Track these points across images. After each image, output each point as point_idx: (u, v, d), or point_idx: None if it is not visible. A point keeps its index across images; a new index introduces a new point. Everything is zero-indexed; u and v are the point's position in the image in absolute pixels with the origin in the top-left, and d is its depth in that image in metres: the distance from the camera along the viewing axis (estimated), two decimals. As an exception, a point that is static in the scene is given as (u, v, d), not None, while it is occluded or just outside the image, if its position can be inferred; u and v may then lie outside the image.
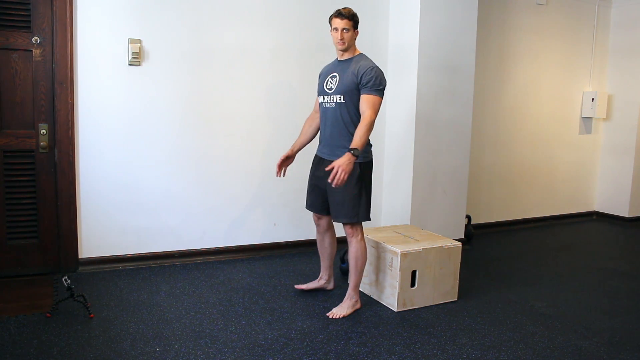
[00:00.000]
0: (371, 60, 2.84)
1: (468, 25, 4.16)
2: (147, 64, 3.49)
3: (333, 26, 2.83)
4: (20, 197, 3.29)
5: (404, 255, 2.95)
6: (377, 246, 3.13)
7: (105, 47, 3.37)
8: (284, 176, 3.16)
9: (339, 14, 2.80)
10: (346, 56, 2.89)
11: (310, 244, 3.97)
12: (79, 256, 3.46)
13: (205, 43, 3.64)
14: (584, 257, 4.29)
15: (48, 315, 2.73)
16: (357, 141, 2.63)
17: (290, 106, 4.00)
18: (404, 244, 3.07)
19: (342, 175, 2.53)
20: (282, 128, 3.98)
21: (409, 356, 2.45)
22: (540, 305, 3.15)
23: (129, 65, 3.44)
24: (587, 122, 5.70)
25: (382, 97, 2.78)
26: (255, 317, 2.84)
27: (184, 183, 3.69)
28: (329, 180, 2.56)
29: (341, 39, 2.81)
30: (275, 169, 3.13)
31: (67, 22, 3.24)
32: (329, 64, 3.03)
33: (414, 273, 3.02)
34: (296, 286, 3.25)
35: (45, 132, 3.29)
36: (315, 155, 3.06)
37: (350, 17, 2.79)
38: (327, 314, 2.87)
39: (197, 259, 3.79)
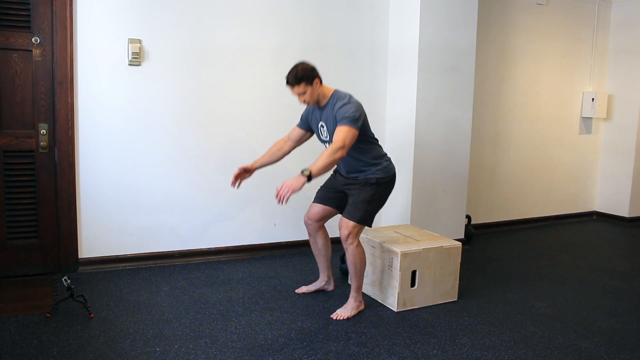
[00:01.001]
0: (346, 96, 2.78)
1: (468, 25, 4.15)
2: (147, 64, 3.49)
3: (291, 92, 2.79)
4: (20, 197, 3.29)
5: (404, 255, 2.95)
6: (377, 246, 3.13)
7: (105, 47, 3.37)
8: (237, 188, 3.07)
9: (287, 82, 2.76)
10: (322, 103, 2.84)
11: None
12: (79, 256, 3.46)
13: (205, 43, 3.64)
14: (583, 257, 4.29)
15: (48, 315, 2.73)
16: (315, 164, 2.58)
17: (291, 106, 3.99)
18: (404, 244, 3.07)
19: (285, 193, 2.49)
20: (282, 128, 3.97)
21: (409, 356, 2.45)
22: (540, 305, 3.15)
23: (129, 65, 3.44)
24: (587, 122, 5.70)
25: (354, 127, 2.65)
26: (255, 317, 2.84)
27: (184, 183, 3.69)
28: (276, 198, 2.51)
29: (303, 102, 2.80)
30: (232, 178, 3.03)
31: (67, 22, 3.24)
32: (313, 107, 2.92)
33: (414, 273, 3.02)
34: (297, 291, 3.24)
35: (45, 132, 3.29)
36: (335, 170, 3.09)
37: (298, 81, 2.71)
38: (331, 315, 2.87)
39: (197, 259, 3.79)
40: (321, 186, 3.16)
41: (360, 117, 2.71)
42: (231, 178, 3.02)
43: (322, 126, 2.88)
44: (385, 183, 2.91)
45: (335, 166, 3.03)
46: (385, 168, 2.90)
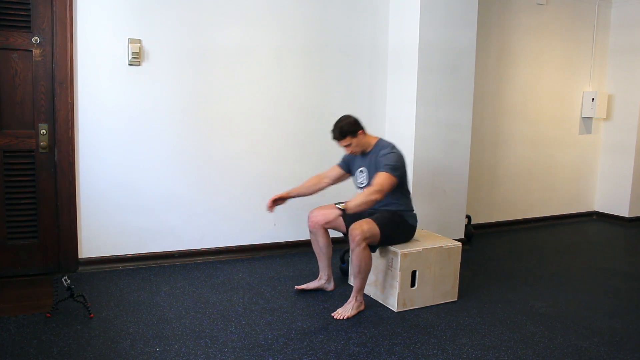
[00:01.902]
0: (389, 145, 3.00)
1: (468, 25, 4.15)
2: (147, 64, 3.49)
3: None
4: (20, 197, 3.29)
5: (404, 255, 2.95)
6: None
7: (105, 47, 3.37)
8: (271, 212, 3.25)
9: (333, 137, 3.00)
10: (366, 149, 3.06)
11: (310, 244, 3.97)
12: (79, 256, 3.46)
13: (205, 43, 3.64)
14: (584, 257, 4.29)
15: (48, 315, 2.73)
16: (352, 200, 2.78)
17: (291, 106, 4.00)
18: (404, 244, 3.06)
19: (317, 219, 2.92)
20: (282, 128, 3.98)
21: (409, 356, 2.45)
22: (540, 305, 3.15)
23: (129, 65, 3.44)
24: (587, 122, 5.70)
25: (394, 175, 2.86)
26: (255, 317, 2.84)
27: (184, 183, 3.69)
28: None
29: (350, 153, 3.05)
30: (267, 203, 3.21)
31: (67, 22, 3.24)
32: (354, 155, 3.13)
33: (414, 273, 3.02)
34: (296, 287, 3.25)
35: (45, 132, 3.29)
36: None
37: (343, 135, 2.95)
38: (332, 314, 2.87)
39: (197, 259, 3.79)
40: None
41: (401, 166, 2.94)
42: (267, 202, 3.21)
43: (361, 171, 3.09)
44: (409, 226, 3.06)
45: None
46: (413, 217, 3.11)
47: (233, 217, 3.88)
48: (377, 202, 2.81)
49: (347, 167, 3.23)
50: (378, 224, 2.88)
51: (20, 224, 3.31)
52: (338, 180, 3.27)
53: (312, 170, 4.06)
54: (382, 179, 2.83)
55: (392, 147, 2.99)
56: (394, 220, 2.99)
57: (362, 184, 3.08)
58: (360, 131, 2.99)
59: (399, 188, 3.00)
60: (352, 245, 2.83)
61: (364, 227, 2.81)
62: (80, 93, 3.35)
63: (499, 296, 3.28)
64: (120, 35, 3.39)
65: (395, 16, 4.21)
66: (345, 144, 2.97)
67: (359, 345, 2.54)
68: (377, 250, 3.12)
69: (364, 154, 3.07)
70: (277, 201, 3.20)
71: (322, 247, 3.16)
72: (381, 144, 3.03)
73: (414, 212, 3.16)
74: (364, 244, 2.82)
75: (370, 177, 2.99)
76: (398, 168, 2.90)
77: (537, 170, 5.39)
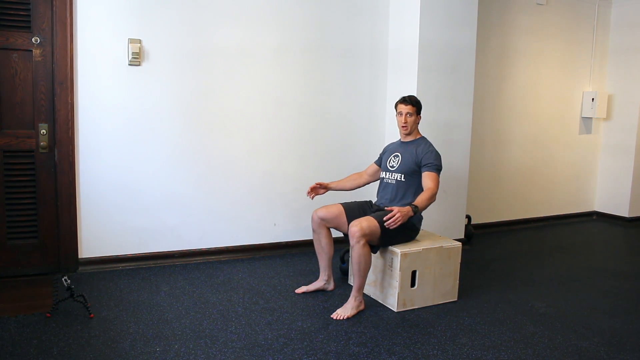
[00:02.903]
0: (431, 144, 3.15)
1: (468, 25, 4.16)
2: (147, 64, 3.49)
3: (398, 110, 3.17)
4: (20, 197, 3.29)
5: (404, 255, 2.95)
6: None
7: (105, 47, 3.37)
8: (312, 199, 3.41)
9: (403, 100, 3.14)
10: (409, 139, 3.21)
11: (310, 244, 3.96)
12: (79, 256, 3.46)
13: (205, 43, 3.64)
14: (584, 257, 4.29)
15: (48, 315, 2.73)
16: (420, 201, 2.89)
17: (291, 106, 4.00)
18: (404, 244, 3.06)
19: (398, 220, 2.75)
20: (282, 128, 3.98)
21: (409, 356, 2.45)
22: (540, 305, 3.15)
23: (129, 65, 3.44)
24: (587, 122, 5.70)
25: (439, 174, 3.05)
26: (255, 317, 2.84)
27: (184, 183, 3.69)
28: (385, 220, 2.77)
29: (405, 123, 3.14)
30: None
31: (67, 22, 3.24)
32: (394, 143, 3.33)
33: (414, 273, 3.02)
34: (297, 291, 3.24)
35: (45, 132, 3.29)
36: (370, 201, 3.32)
37: (414, 103, 3.13)
38: (332, 315, 2.87)
39: (197, 259, 3.79)
40: (353, 201, 3.29)
41: (442, 167, 3.10)
42: (307, 189, 3.38)
43: (395, 155, 3.21)
44: (411, 223, 3.05)
45: (378, 201, 3.28)
46: (417, 218, 3.12)
47: (233, 217, 3.88)
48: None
49: (381, 162, 3.34)
50: (379, 222, 2.88)
51: (20, 224, 3.31)
52: (376, 176, 3.41)
53: (312, 170, 4.07)
54: (435, 180, 2.99)
55: (434, 148, 3.13)
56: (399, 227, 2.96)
57: (393, 167, 3.18)
58: (420, 116, 3.18)
59: (413, 192, 3.10)
60: (351, 242, 2.84)
61: (363, 224, 2.82)
62: (80, 93, 3.35)
63: (499, 296, 3.28)
64: (120, 35, 3.39)
65: (395, 16, 4.21)
66: (410, 110, 3.11)
67: (359, 345, 2.54)
68: (377, 251, 3.11)
69: (404, 140, 3.21)
70: (318, 190, 3.34)
71: (324, 247, 3.16)
72: (424, 139, 3.19)
73: (421, 214, 3.15)
74: (363, 241, 2.82)
75: (403, 162, 3.12)
76: (441, 169, 3.07)
77: (537, 170, 5.39)
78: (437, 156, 3.08)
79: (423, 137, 3.23)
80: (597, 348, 2.58)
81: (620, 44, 5.61)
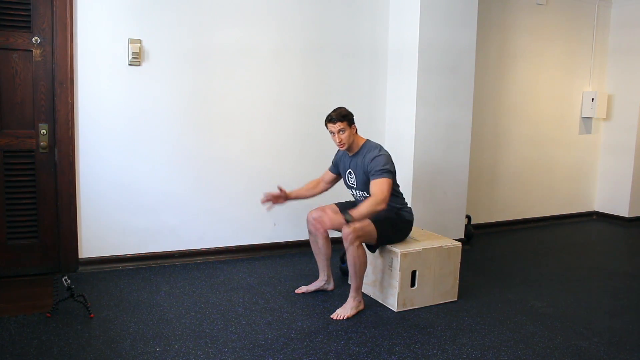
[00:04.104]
0: (377, 147, 2.97)
1: (468, 25, 4.16)
2: (147, 64, 3.49)
3: (329, 130, 2.96)
4: (20, 197, 3.29)
5: (404, 255, 2.95)
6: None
7: (105, 47, 3.37)
8: (267, 210, 3.29)
9: (329, 119, 2.93)
10: (353, 151, 3.03)
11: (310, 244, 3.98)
12: (79, 256, 3.46)
13: (205, 43, 3.64)
14: (584, 257, 4.29)
15: (48, 315, 2.73)
16: (358, 210, 2.75)
17: (291, 106, 4.00)
18: (404, 244, 3.06)
19: (327, 223, 2.78)
20: (282, 128, 3.98)
21: (409, 356, 2.45)
22: (540, 305, 3.15)
23: (129, 65, 3.44)
24: (587, 122, 5.70)
25: (390, 178, 2.84)
26: (255, 317, 2.84)
27: (184, 183, 3.69)
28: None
29: (340, 141, 2.95)
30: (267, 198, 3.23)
31: (67, 22, 3.24)
32: (343, 154, 3.13)
33: (414, 273, 3.02)
34: (297, 291, 3.24)
35: (45, 132, 3.29)
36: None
37: (341, 118, 2.90)
38: (331, 315, 2.87)
39: (197, 259, 3.79)
40: (347, 201, 3.27)
41: (392, 168, 2.92)
42: (262, 197, 3.22)
43: (349, 173, 3.08)
44: (405, 220, 3.06)
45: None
46: (408, 212, 3.11)
47: (233, 217, 3.88)
48: (382, 210, 2.80)
49: (337, 170, 3.23)
50: (373, 221, 2.87)
51: (20, 224, 3.31)
52: (333, 183, 3.30)
53: (311, 170, 4.06)
54: (382, 185, 2.80)
55: (380, 148, 2.96)
56: (389, 217, 2.98)
57: (354, 185, 3.08)
58: (354, 126, 2.98)
59: (393, 192, 2.98)
60: (345, 244, 2.83)
61: (356, 226, 2.80)
62: (80, 93, 3.35)
63: (499, 296, 3.28)
64: (120, 35, 3.39)
65: (395, 16, 4.21)
66: (340, 127, 2.90)
67: (359, 345, 2.54)
68: (377, 250, 3.11)
69: (350, 155, 3.04)
70: (277, 199, 3.19)
71: (321, 248, 3.16)
72: (368, 145, 3.00)
73: (409, 206, 3.16)
74: (357, 242, 2.81)
75: (358, 179, 3.00)
76: (391, 169, 2.89)
77: (537, 170, 5.39)
78: (383, 160, 2.87)
79: (366, 142, 3.03)
80: (597, 348, 2.58)
81: (620, 44, 5.61)
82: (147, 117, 3.53)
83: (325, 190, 3.32)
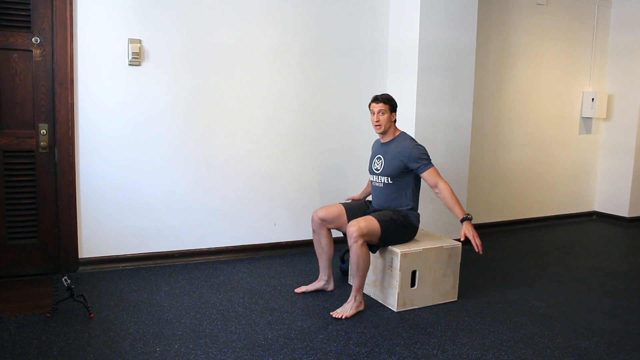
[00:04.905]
0: (411, 139, 3.08)
1: (468, 25, 4.15)
2: (147, 64, 3.49)
3: (370, 109, 3.09)
4: (20, 197, 3.29)
5: (404, 255, 2.95)
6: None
7: (105, 47, 3.37)
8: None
9: (375, 98, 3.07)
10: (387, 138, 3.13)
11: (311, 244, 3.96)
12: (79, 256, 3.46)
13: (205, 43, 3.64)
14: (583, 257, 4.29)
15: (48, 315, 2.73)
16: (459, 210, 2.91)
17: (291, 107, 4.00)
18: (404, 244, 3.06)
19: (477, 240, 2.85)
20: (282, 128, 3.98)
21: (409, 356, 2.45)
22: (540, 305, 3.15)
23: (129, 65, 3.44)
24: (587, 122, 5.70)
25: (433, 165, 3.01)
26: (255, 317, 2.84)
27: (184, 183, 3.69)
28: (476, 249, 2.86)
29: (377, 121, 3.05)
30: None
31: (67, 22, 3.24)
32: (376, 143, 3.26)
33: (414, 273, 3.02)
34: (296, 290, 3.24)
35: (45, 132, 3.29)
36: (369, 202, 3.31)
37: (386, 101, 3.03)
38: (331, 313, 2.87)
39: (197, 259, 3.79)
40: (353, 202, 3.32)
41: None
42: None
43: (378, 158, 3.15)
44: (411, 224, 3.08)
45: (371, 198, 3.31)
46: (416, 216, 3.13)
47: (233, 217, 3.88)
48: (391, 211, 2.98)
49: None
50: (379, 221, 2.88)
51: (20, 224, 3.31)
52: None
53: (311, 169, 4.07)
54: (436, 174, 2.96)
55: (415, 140, 3.08)
56: (396, 218, 2.99)
57: (378, 170, 3.14)
58: (395, 114, 3.09)
59: (413, 184, 3.08)
60: (349, 242, 2.83)
61: (361, 224, 2.82)
62: (80, 93, 3.35)
63: (499, 296, 3.28)
64: (120, 35, 3.39)
65: (395, 16, 4.21)
66: (382, 108, 3.02)
67: (359, 345, 2.54)
68: (377, 251, 3.11)
69: (383, 141, 3.14)
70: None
71: (324, 247, 3.16)
72: (405, 135, 3.11)
73: (418, 212, 3.17)
74: (361, 241, 2.82)
75: (386, 164, 3.07)
76: (429, 156, 3.02)
77: (537, 170, 5.39)
78: (423, 150, 3.02)
79: (402, 133, 3.14)
80: (597, 348, 2.58)
81: (620, 44, 5.61)
82: (147, 117, 3.53)
83: None
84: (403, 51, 4.12)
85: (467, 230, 2.87)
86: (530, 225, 5.39)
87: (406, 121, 4.09)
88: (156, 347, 2.45)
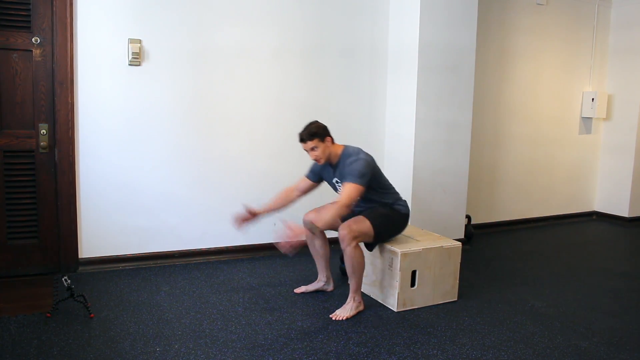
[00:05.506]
0: (355, 152, 2.90)
1: (468, 25, 4.16)
2: (147, 64, 3.49)
3: (304, 149, 2.91)
4: (20, 197, 3.29)
5: (404, 255, 2.95)
6: (378, 246, 3.13)
7: (105, 47, 3.37)
8: (239, 229, 3.16)
9: (300, 139, 2.88)
10: (334, 160, 2.95)
11: (310, 244, 3.98)
12: (79, 256, 3.46)
13: (205, 43, 3.64)
14: (584, 257, 4.29)
15: (48, 315, 2.73)
16: (320, 221, 2.79)
17: (291, 107, 4.00)
18: (404, 244, 3.06)
19: (287, 249, 2.66)
20: (282, 128, 3.98)
21: (409, 356, 2.45)
22: (540, 305, 3.15)
23: (129, 65, 3.44)
24: (587, 122, 5.70)
25: (359, 184, 2.77)
26: (255, 317, 2.84)
27: (184, 183, 3.69)
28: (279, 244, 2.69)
29: (315, 158, 2.91)
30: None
31: (67, 22, 3.24)
32: (324, 165, 2.99)
33: (414, 273, 3.02)
34: (296, 290, 3.24)
35: (45, 132, 3.29)
36: None
37: (311, 136, 2.84)
38: (331, 316, 2.87)
39: (197, 259, 3.79)
40: None
41: (367, 173, 2.82)
42: (235, 220, 3.08)
43: (337, 182, 3.00)
44: (401, 214, 3.03)
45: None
46: (402, 205, 3.07)
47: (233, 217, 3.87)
48: (346, 214, 2.79)
49: (317, 178, 3.13)
50: (369, 219, 2.87)
51: (20, 224, 3.31)
52: (307, 191, 3.18)
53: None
54: (349, 190, 2.75)
55: (358, 153, 2.89)
56: (383, 212, 2.96)
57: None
58: (328, 138, 2.89)
59: (378, 188, 2.97)
60: (342, 245, 2.82)
61: (352, 227, 2.81)
62: (80, 93, 3.35)
63: (499, 296, 3.28)
64: (120, 35, 3.39)
65: (395, 16, 4.21)
66: (311, 146, 2.84)
67: (359, 345, 2.54)
68: (377, 250, 3.12)
69: (332, 165, 2.97)
70: (248, 218, 3.07)
71: (318, 249, 3.16)
72: (347, 151, 2.91)
73: (403, 200, 3.10)
74: (354, 243, 2.81)
75: None
76: (364, 175, 2.79)
77: (537, 170, 5.39)
78: (358, 165, 2.80)
79: (344, 149, 2.94)
80: (597, 348, 2.58)
81: (620, 44, 5.61)
82: (147, 117, 3.53)
83: (298, 198, 3.18)
84: (403, 51, 4.12)
85: (290, 234, 2.66)
86: (530, 225, 5.39)
87: (406, 121, 4.10)
88: (156, 347, 2.45)
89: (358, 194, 2.78)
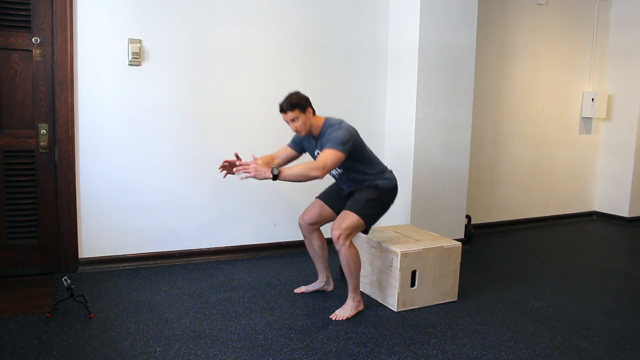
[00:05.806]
0: (337, 122, 2.83)
1: (468, 25, 4.16)
2: (147, 64, 3.49)
3: (284, 119, 2.84)
4: (20, 197, 3.29)
5: (404, 255, 2.95)
6: (377, 246, 3.13)
7: (105, 47, 3.37)
8: (224, 177, 2.98)
9: (280, 109, 2.80)
10: (315, 133, 2.88)
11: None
12: (79, 256, 3.46)
13: (205, 43, 3.64)
14: (583, 257, 4.29)
15: (48, 315, 2.73)
16: (288, 171, 2.59)
17: (290, 106, 3.99)
18: (404, 244, 3.07)
19: (249, 173, 2.53)
20: (282, 128, 3.97)
21: (409, 356, 2.45)
22: (540, 305, 3.15)
23: (129, 65, 3.44)
24: (587, 122, 5.70)
25: (339, 150, 2.68)
26: (255, 317, 2.84)
27: (184, 183, 3.69)
28: (237, 166, 2.60)
29: (295, 129, 2.84)
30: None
31: (67, 22, 3.24)
32: (306, 136, 2.95)
33: (414, 273, 3.02)
34: (296, 290, 3.24)
35: (45, 132, 3.29)
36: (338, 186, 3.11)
37: (292, 107, 2.76)
38: (330, 316, 2.86)
39: (197, 259, 3.79)
40: (327, 187, 3.19)
41: (347, 141, 2.73)
42: (221, 163, 2.94)
43: (318, 154, 2.87)
44: (387, 190, 2.96)
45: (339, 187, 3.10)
46: (388, 179, 2.98)
47: (233, 217, 3.88)
48: (315, 178, 2.62)
49: (299, 148, 3.06)
50: (354, 210, 2.83)
51: (20, 224, 3.31)
52: (288, 160, 3.08)
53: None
54: (326, 155, 2.66)
55: (341, 123, 2.82)
56: (366, 197, 2.88)
57: None
58: (310, 109, 2.82)
59: (361, 159, 2.89)
60: (336, 247, 2.82)
61: (342, 226, 2.79)
62: (80, 93, 3.35)
63: (499, 296, 3.28)
64: (120, 35, 3.39)
65: (395, 16, 4.21)
66: (292, 116, 2.76)
67: (359, 345, 2.54)
68: (377, 250, 3.12)
69: (314, 137, 2.90)
70: (232, 168, 2.85)
71: (317, 250, 3.15)
72: (328, 123, 2.84)
73: (389, 171, 3.02)
74: (347, 242, 2.80)
75: None
76: (345, 142, 2.69)
77: (537, 170, 5.39)
78: (339, 133, 2.71)
79: (326, 120, 2.87)
80: (597, 348, 2.58)
81: (620, 44, 5.61)
82: (147, 117, 3.53)
83: (279, 166, 2.90)
84: (403, 51, 4.12)
85: (256, 166, 2.54)
86: (530, 225, 5.39)
87: (406, 121, 4.10)
88: (156, 347, 2.45)
89: (336, 160, 2.67)
